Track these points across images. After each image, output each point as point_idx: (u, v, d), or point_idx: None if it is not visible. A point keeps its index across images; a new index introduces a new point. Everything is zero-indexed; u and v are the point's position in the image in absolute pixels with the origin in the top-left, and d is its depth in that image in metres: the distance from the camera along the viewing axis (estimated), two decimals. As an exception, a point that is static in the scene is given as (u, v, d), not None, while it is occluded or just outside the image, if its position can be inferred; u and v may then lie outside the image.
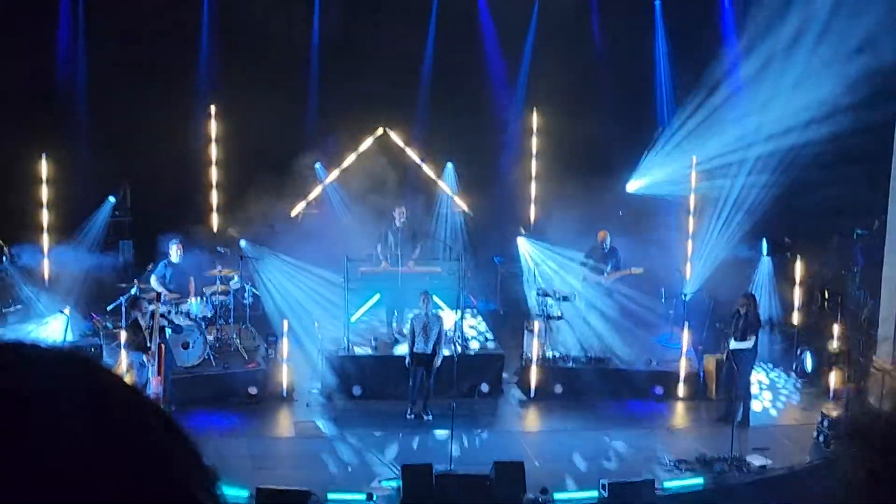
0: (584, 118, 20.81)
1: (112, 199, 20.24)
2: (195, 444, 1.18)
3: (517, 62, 22.37)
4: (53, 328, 16.85)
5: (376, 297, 18.00)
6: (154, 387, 14.32)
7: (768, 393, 17.30)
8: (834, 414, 15.64)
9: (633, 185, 21.01)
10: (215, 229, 20.43)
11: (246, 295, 17.62)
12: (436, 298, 16.61)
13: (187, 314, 16.45)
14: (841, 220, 20.34)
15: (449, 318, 16.95)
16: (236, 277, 17.48)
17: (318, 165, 20.65)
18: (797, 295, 18.67)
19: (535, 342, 16.98)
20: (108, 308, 17.58)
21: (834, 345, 17.59)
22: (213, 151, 20.63)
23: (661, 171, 20.54)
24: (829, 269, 20.46)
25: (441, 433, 15.23)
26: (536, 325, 17.21)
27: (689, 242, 19.25)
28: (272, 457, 14.82)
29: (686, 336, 17.16)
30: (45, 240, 18.83)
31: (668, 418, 16.49)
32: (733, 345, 15.75)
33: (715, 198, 19.73)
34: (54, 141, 19.21)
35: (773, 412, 16.82)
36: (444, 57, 21.97)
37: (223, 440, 14.38)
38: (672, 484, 13.91)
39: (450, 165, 21.35)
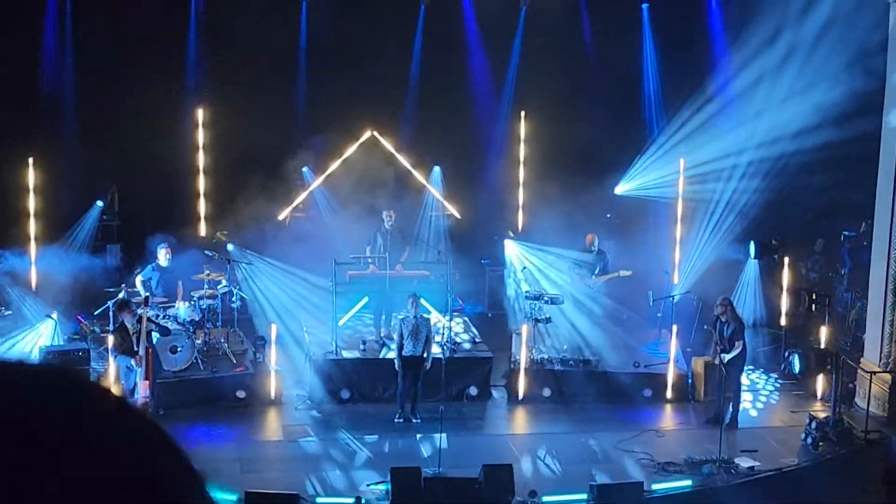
0: (572, 121, 20.86)
1: (100, 203, 20.21)
2: (184, 449, 1.18)
3: (504, 66, 22.44)
4: (42, 333, 16.81)
5: (364, 301, 18.02)
6: (142, 391, 14.30)
7: (755, 395, 17.33)
8: (821, 416, 15.69)
9: (622, 188, 21.06)
10: (203, 233, 20.38)
11: (234, 298, 17.60)
12: (423, 301, 16.63)
13: (175, 318, 16.42)
14: (828, 222, 20.42)
15: (437, 320, 16.95)
16: (224, 281, 17.45)
17: (305, 169, 20.62)
18: (784, 297, 18.71)
19: (524, 345, 17.00)
20: (96, 312, 17.55)
21: (821, 347, 17.63)
22: (201, 155, 20.56)
23: (650, 174, 20.58)
24: (816, 272, 20.56)
25: (430, 436, 15.24)
26: (525, 328, 17.22)
27: (677, 248, 19.27)
28: (260, 460, 14.77)
29: (674, 338, 17.17)
30: (33, 244, 18.76)
31: (656, 421, 16.49)
32: (727, 358, 15.76)
33: (706, 200, 19.79)
34: (41, 145, 19.14)
35: (761, 414, 16.85)
36: (432, 61, 22.03)
37: (211, 444, 14.40)
38: (660, 486, 13.93)
39: (437, 169, 21.34)
